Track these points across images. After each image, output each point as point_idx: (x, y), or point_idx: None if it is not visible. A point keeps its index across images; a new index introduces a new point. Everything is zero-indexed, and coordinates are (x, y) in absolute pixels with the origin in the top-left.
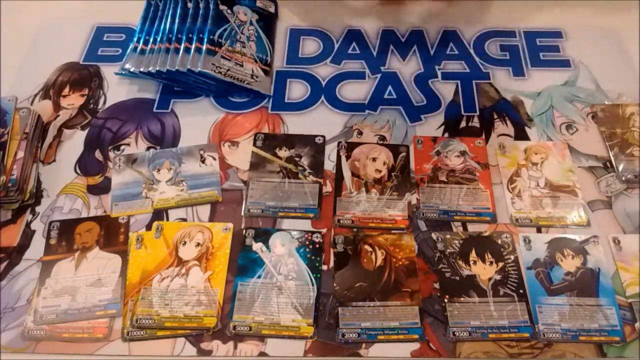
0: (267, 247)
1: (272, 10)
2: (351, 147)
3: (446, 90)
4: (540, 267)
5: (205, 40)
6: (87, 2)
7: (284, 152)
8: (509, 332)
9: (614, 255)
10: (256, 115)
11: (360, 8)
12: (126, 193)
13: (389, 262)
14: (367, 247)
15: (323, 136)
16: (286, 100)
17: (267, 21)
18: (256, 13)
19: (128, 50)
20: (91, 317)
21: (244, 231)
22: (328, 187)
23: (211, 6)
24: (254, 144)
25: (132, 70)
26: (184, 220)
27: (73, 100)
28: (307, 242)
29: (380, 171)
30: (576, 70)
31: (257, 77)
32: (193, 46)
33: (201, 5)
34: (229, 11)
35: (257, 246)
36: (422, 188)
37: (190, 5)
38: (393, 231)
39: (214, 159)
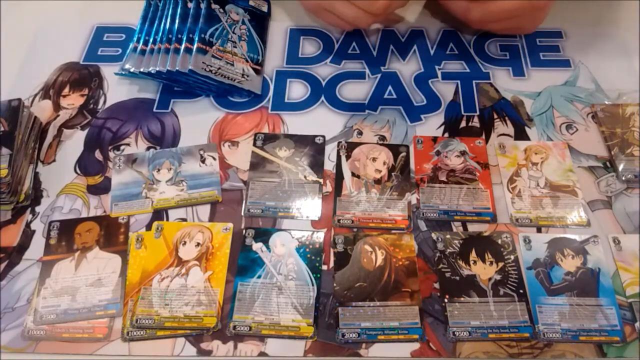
0: (267, 247)
1: (264, 9)
2: (351, 147)
3: (446, 90)
4: (540, 267)
5: (196, 39)
6: (88, 2)
7: (284, 152)
8: (509, 332)
9: (614, 255)
10: (256, 115)
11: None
12: (126, 193)
13: (389, 262)
14: (367, 247)
15: (323, 136)
16: (286, 100)
17: (260, 20)
18: (248, 12)
19: (128, 51)
20: (91, 317)
21: (244, 231)
22: (328, 187)
23: (203, 5)
24: (254, 144)
25: (132, 70)
26: (184, 220)
27: (73, 100)
28: (307, 242)
29: (380, 171)
30: (576, 70)
31: (247, 76)
32: (182, 46)
33: (200, 5)
34: (221, 10)
35: (257, 246)
36: (422, 188)
37: (190, 5)
38: (393, 231)
39: (214, 159)
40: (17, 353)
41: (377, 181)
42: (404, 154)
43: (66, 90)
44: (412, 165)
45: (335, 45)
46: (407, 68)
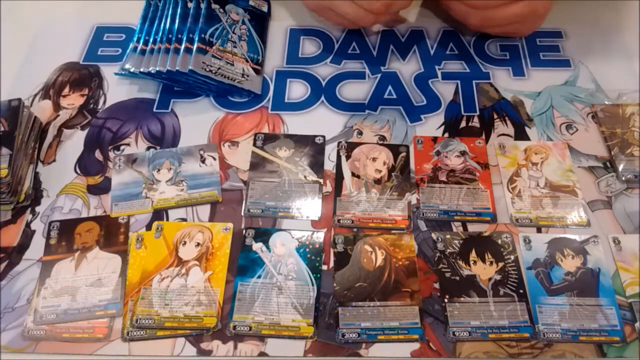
0: (267, 247)
1: (264, 9)
2: (351, 147)
3: (446, 90)
4: (540, 267)
5: (196, 39)
6: (87, 2)
7: (284, 152)
8: (509, 332)
9: (614, 255)
10: (256, 115)
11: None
12: (126, 193)
13: (389, 262)
14: (367, 247)
15: (323, 136)
16: (286, 100)
17: (260, 20)
18: (248, 12)
19: (128, 50)
20: (91, 317)
21: (244, 231)
22: (328, 187)
23: (203, 5)
24: (254, 144)
25: (132, 70)
26: (184, 220)
27: (73, 100)
28: (307, 242)
29: (380, 171)
30: (576, 70)
31: (247, 76)
32: (182, 46)
33: (200, 4)
34: (221, 10)
35: (257, 246)
36: (422, 188)
37: (190, 5)
38: (393, 231)
39: (214, 159)
40: (17, 353)
41: (377, 181)
42: (404, 154)
43: (66, 90)
44: (412, 165)
45: (335, 45)
46: (407, 68)
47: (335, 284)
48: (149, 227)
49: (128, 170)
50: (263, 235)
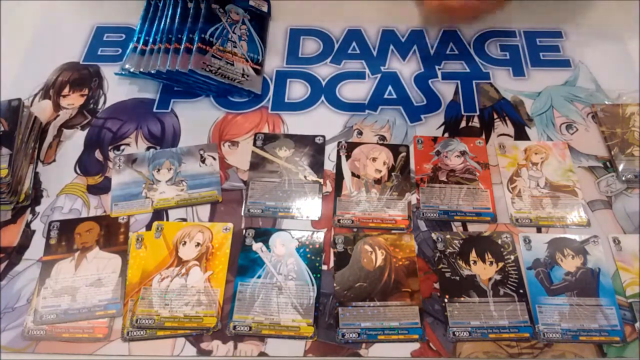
0: (267, 247)
1: (264, 9)
2: (351, 147)
3: (446, 90)
4: (540, 267)
5: (196, 39)
6: (87, 2)
7: (284, 152)
8: (509, 332)
9: (614, 255)
10: (256, 115)
11: (360, 8)
12: (126, 193)
13: (389, 262)
14: (367, 247)
15: (323, 136)
16: (286, 100)
17: (260, 20)
18: (248, 12)
19: (128, 50)
20: (91, 317)
21: (244, 231)
22: (328, 187)
23: (203, 5)
24: (254, 144)
25: (132, 70)
26: (184, 220)
27: (73, 100)
28: (307, 242)
29: (380, 171)
30: (576, 70)
31: (247, 76)
32: (182, 46)
33: (200, 4)
34: (221, 10)
35: (257, 246)
36: (422, 188)
37: (190, 5)
38: (393, 231)
39: (214, 159)
40: (17, 353)
41: (377, 181)
42: (404, 154)
43: (66, 90)
44: (412, 165)
45: (335, 45)
46: (407, 68)
47: (335, 284)
48: (149, 227)
49: (128, 170)
50: (263, 235)
